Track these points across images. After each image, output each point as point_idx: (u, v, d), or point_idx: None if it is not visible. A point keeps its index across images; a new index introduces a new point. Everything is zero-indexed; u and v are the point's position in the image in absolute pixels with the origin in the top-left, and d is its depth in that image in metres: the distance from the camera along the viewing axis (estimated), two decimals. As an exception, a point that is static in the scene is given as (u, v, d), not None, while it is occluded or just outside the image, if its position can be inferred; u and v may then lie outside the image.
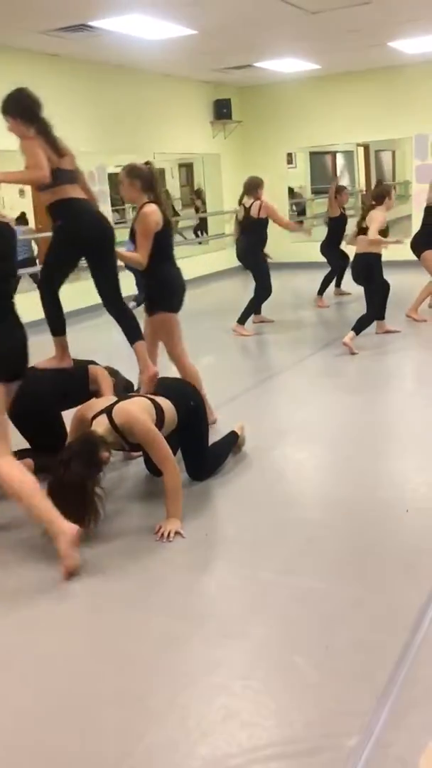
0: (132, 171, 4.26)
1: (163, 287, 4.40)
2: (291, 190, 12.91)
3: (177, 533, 3.15)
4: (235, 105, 11.71)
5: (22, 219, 9.90)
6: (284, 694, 2.19)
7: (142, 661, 2.38)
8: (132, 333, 4.07)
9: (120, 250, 4.23)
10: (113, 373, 4.06)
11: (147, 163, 4.36)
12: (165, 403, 3.41)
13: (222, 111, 11.55)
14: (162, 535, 3.14)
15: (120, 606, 2.71)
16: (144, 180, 4.23)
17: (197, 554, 3.08)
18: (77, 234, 3.97)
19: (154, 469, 3.58)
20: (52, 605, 2.74)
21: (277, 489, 3.68)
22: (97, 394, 3.80)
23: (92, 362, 4.08)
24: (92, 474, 3.05)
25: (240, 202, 7.35)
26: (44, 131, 3.84)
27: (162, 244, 4.26)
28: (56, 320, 4.09)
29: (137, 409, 3.25)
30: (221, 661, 2.35)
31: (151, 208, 4.20)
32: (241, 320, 7.25)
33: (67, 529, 2.87)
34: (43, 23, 7.03)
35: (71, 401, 3.74)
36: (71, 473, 2.98)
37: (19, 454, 3.82)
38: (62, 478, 2.99)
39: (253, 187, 7.24)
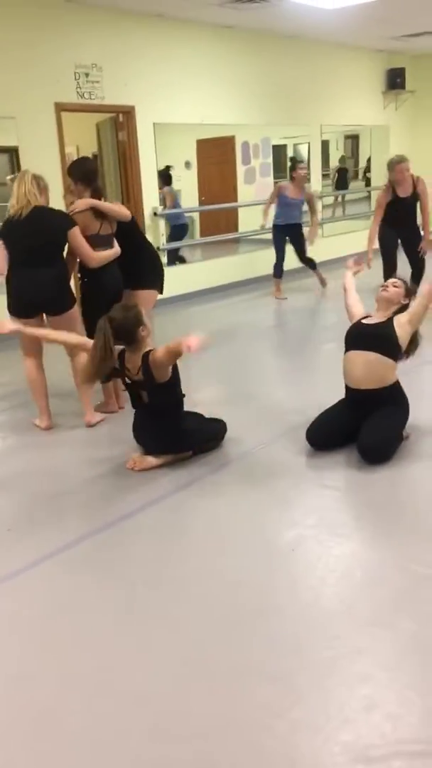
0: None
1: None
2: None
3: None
4: (409, 74, 11.26)
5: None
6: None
7: (287, 639, 2.41)
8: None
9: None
10: None
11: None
12: None
13: (395, 81, 11.14)
14: None
15: (264, 585, 2.76)
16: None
17: (351, 537, 3.06)
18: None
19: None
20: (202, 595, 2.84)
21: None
22: None
23: None
24: None
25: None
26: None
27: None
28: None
29: None
30: (366, 650, 2.33)
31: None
32: None
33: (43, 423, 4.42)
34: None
35: None
36: None
37: None
38: None
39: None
